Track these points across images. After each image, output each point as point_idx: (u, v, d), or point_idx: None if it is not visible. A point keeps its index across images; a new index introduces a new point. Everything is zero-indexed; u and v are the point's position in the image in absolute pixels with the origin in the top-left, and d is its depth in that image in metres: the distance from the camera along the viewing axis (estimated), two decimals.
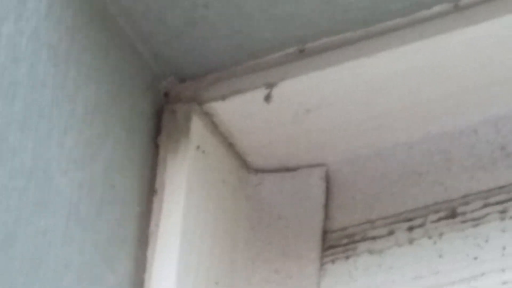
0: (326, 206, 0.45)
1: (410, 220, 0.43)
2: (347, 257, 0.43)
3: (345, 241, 0.44)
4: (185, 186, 0.43)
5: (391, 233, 0.43)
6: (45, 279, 0.37)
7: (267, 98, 0.43)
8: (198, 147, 0.44)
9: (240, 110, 0.45)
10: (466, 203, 0.43)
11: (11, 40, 0.38)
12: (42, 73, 0.39)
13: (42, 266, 0.37)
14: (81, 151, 0.40)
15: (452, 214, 0.43)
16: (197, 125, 0.44)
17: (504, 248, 0.41)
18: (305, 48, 0.43)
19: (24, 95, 0.38)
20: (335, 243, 0.44)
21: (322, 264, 0.44)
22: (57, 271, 0.37)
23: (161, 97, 0.46)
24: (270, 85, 0.43)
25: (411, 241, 0.42)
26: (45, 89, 0.39)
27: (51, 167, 0.38)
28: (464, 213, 0.43)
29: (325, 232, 0.45)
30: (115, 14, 0.45)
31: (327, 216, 0.46)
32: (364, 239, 0.44)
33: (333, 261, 0.44)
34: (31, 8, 0.39)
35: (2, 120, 0.37)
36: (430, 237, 0.42)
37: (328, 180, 0.46)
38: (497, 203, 0.42)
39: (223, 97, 0.44)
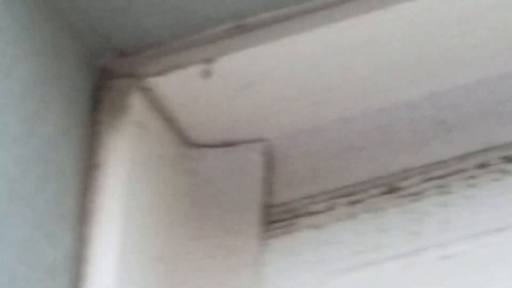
0: (268, 181, 0.47)
1: (350, 195, 0.45)
2: (289, 232, 0.45)
3: (286, 216, 0.46)
4: (126, 161, 0.44)
5: (331, 208, 0.44)
6: None
7: (206, 73, 0.44)
8: (137, 122, 0.45)
9: (180, 86, 0.46)
10: (405, 178, 0.45)
11: None
12: None
13: None
14: (19, 127, 0.41)
15: (392, 189, 0.45)
16: (136, 101, 0.45)
17: (444, 222, 0.44)
18: (243, 23, 0.44)
19: None
20: (277, 218, 0.46)
21: (264, 239, 0.45)
22: None
23: (100, 72, 0.47)
24: (209, 61, 0.44)
25: (351, 216, 0.44)
26: None
27: None
28: (403, 188, 0.45)
29: (267, 207, 0.47)
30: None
31: (268, 192, 0.47)
32: (305, 214, 0.45)
33: (275, 236, 0.45)
34: None
35: None
36: (370, 212, 0.44)
37: (268, 155, 0.48)
38: (437, 177, 0.44)
39: (162, 72, 0.45)
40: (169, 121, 0.47)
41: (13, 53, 0.42)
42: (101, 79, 0.47)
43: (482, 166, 0.44)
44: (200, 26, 0.45)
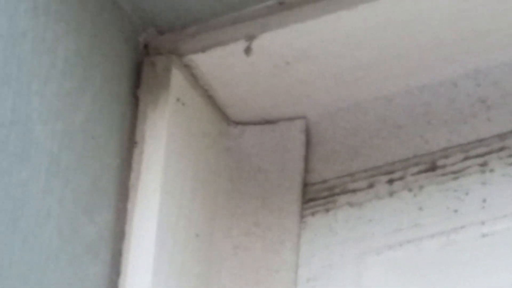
0: (306, 159, 0.47)
1: (390, 173, 0.45)
2: (327, 210, 0.45)
3: (325, 193, 0.46)
4: (165, 138, 0.44)
5: (371, 186, 0.45)
6: (26, 230, 0.39)
7: (247, 50, 0.45)
8: (178, 99, 0.45)
9: (220, 63, 0.46)
10: (446, 156, 0.45)
11: None
12: (21, 25, 0.40)
13: (22, 217, 0.38)
14: (61, 102, 0.42)
15: (432, 167, 0.45)
16: (176, 78, 0.46)
17: (484, 200, 0.44)
18: (284, 0, 0.44)
19: (3, 46, 0.39)
20: (315, 195, 0.46)
21: (302, 217, 0.46)
22: (37, 222, 0.38)
23: (141, 49, 0.47)
24: (250, 37, 0.45)
25: (391, 194, 0.44)
26: (25, 41, 0.40)
27: (31, 119, 0.39)
28: (444, 166, 0.45)
29: (305, 185, 0.47)
30: None
31: (307, 169, 0.48)
32: (344, 191, 0.46)
33: (313, 214, 0.46)
34: None
35: None
36: (410, 190, 0.45)
37: (308, 133, 0.48)
38: (477, 156, 0.45)
39: (203, 49, 0.45)
40: (209, 98, 0.48)
41: (56, 29, 0.43)
42: (143, 55, 0.47)
43: None
44: (241, 3, 0.45)
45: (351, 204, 0.46)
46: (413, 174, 0.45)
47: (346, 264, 0.44)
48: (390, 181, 0.45)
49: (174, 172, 0.45)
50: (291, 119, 0.48)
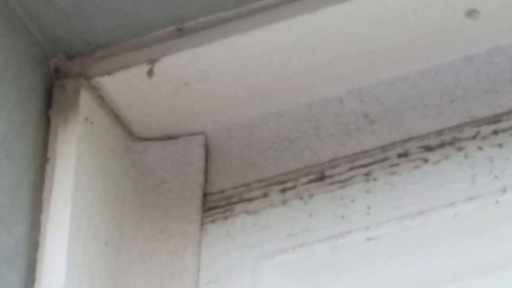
0: (206, 171, 0.51)
1: (282, 182, 0.49)
2: (226, 218, 0.48)
3: (223, 203, 0.49)
4: (75, 154, 0.47)
5: (265, 195, 0.48)
6: None
7: (149, 72, 0.48)
8: (86, 119, 0.48)
9: (125, 84, 0.49)
10: (334, 167, 0.49)
11: None
12: None
13: None
14: None
15: (321, 177, 0.49)
16: (85, 99, 0.48)
17: (368, 207, 0.48)
18: (183, 26, 0.47)
19: None
20: (214, 204, 0.49)
21: (203, 224, 0.49)
22: None
23: (52, 73, 0.50)
24: (152, 61, 0.48)
25: (284, 202, 0.48)
26: None
27: None
28: (332, 176, 0.49)
29: (205, 195, 0.50)
30: None
31: (207, 180, 0.51)
32: (241, 200, 0.49)
33: (212, 221, 0.49)
34: None
35: None
36: (301, 198, 0.48)
37: (207, 147, 0.51)
38: (362, 166, 0.49)
39: (109, 73, 0.48)
40: (116, 117, 0.50)
41: None
42: (54, 78, 0.50)
43: (403, 155, 0.47)
44: (143, 29, 0.48)
45: (247, 212, 0.48)
46: (303, 184, 0.48)
47: (243, 267, 0.47)
48: (283, 190, 0.48)
49: (84, 186, 0.47)
50: (191, 134, 0.51)
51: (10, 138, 0.46)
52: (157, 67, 0.48)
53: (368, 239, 0.45)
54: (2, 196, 0.45)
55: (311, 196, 0.48)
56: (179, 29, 0.48)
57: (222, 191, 0.50)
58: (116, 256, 0.48)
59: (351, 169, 0.47)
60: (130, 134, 0.52)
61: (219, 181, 0.51)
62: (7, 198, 0.45)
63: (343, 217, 0.46)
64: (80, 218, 0.46)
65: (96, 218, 0.47)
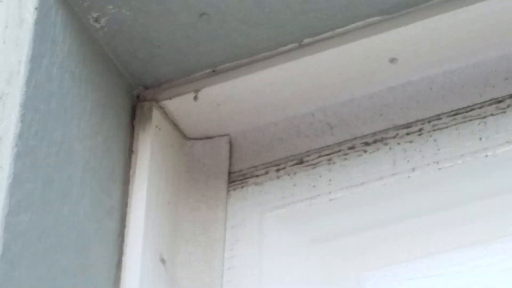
0: (230, 158, 0.61)
1: (277, 165, 0.59)
2: (242, 187, 0.59)
3: (240, 178, 0.59)
4: (150, 148, 0.57)
5: (266, 173, 0.58)
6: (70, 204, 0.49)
7: (195, 98, 0.58)
8: (156, 126, 0.58)
9: (180, 105, 0.60)
10: (308, 155, 0.58)
11: (48, 68, 0.51)
12: (65, 86, 0.51)
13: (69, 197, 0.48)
14: (91, 130, 0.53)
15: (301, 162, 0.58)
16: (155, 114, 0.58)
17: (330, 180, 0.57)
18: (216, 69, 0.58)
19: (56, 101, 0.50)
20: (235, 179, 0.60)
21: (228, 191, 0.59)
22: (78, 201, 0.49)
23: (135, 98, 0.60)
24: (196, 91, 0.58)
25: (278, 177, 0.58)
26: (68, 96, 0.51)
27: (73, 140, 0.50)
28: (307, 161, 0.58)
29: (229, 173, 0.60)
30: (109, 53, 0.58)
31: (230, 164, 0.61)
32: (251, 176, 0.59)
33: (234, 189, 0.59)
34: (59, 49, 0.52)
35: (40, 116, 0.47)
36: (288, 175, 0.58)
37: (230, 144, 0.62)
38: (326, 155, 0.57)
39: (170, 98, 0.59)
40: (174, 125, 0.61)
41: (88, 92, 0.55)
42: (135, 101, 0.60)
43: (351, 148, 0.57)
44: (191, 70, 0.59)
45: (255, 184, 0.59)
46: (290, 166, 0.58)
47: (253, 218, 0.57)
48: (277, 170, 0.58)
49: (154, 167, 0.56)
50: (220, 135, 0.62)
51: (112, 139, 0.56)
52: (200, 94, 0.58)
53: (330, 200, 0.56)
54: (105, 174, 0.53)
55: (295, 173, 0.58)
56: (213, 71, 0.58)
57: (240, 171, 0.60)
58: (175, 210, 0.58)
59: (319, 156, 0.57)
60: (183, 135, 0.62)
61: (238, 164, 0.61)
62: (108, 176, 0.53)
63: (314, 186, 0.56)
64: (152, 188, 0.55)
65: (162, 187, 0.56)
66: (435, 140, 0.56)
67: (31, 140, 0.46)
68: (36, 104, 0.48)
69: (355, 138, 0.58)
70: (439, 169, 0.55)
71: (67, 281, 0.48)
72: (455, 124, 0.56)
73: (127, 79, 0.60)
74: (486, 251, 0.57)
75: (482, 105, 0.56)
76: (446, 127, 0.56)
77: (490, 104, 0.56)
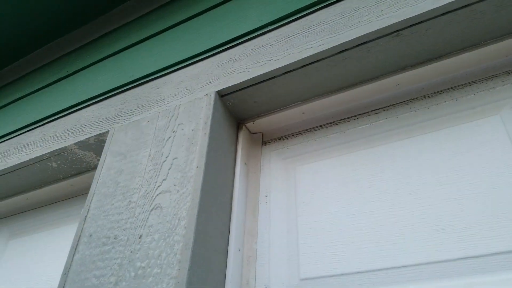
0: (263, 137, 0.90)
1: (293, 135, 0.87)
2: (267, 145, 0.87)
3: (271, 138, 0.88)
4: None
5: (286, 139, 0.88)
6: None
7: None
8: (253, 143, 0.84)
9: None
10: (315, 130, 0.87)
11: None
12: (205, 144, 0.71)
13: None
14: (213, 153, 0.70)
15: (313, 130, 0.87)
16: (244, 136, 0.84)
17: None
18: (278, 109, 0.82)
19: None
20: (268, 139, 0.88)
21: (263, 148, 0.87)
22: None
23: (237, 128, 0.83)
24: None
25: (296, 139, 0.87)
26: (214, 147, 0.71)
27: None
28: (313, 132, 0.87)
29: (262, 143, 0.88)
30: (232, 110, 0.81)
31: (262, 142, 0.89)
32: (276, 140, 0.89)
33: (264, 145, 0.88)
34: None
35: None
36: (305, 138, 0.88)
37: (263, 136, 0.90)
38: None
39: (253, 121, 0.85)
40: (256, 135, 0.86)
41: (221, 143, 0.74)
42: (239, 131, 0.84)
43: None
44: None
45: (279, 138, 0.86)
46: (302, 134, 0.87)
47: (278, 164, 0.81)
48: (292, 135, 0.86)
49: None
50: (257, 133, 0.89)
51: (226, 156, 0.75)
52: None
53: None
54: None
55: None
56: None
57: (265, 143, 0.87)
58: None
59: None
60: (252, 134, 0.87)
61: (266, 138, 0.88)
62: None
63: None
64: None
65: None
66: None
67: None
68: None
69: None
70: None
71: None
72: None
73: (235, 117, 0.86)
74: None
75: None
76: None
77: None
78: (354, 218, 0.69)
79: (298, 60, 0.72)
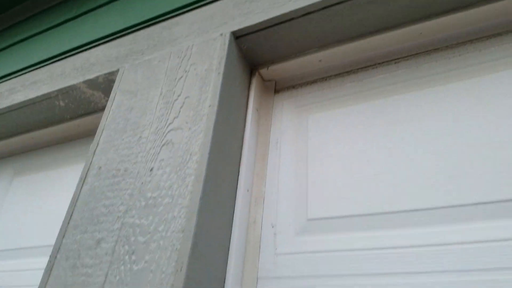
0: (275, 85, 0.91)
1: (303, 84, 0.89)
2: (280, 93, 0.89)
3: (283, 86, 0.90)
4: (257, 95, 0.83)
5: (298, 87, 0.90)
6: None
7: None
8: (263, 79, 0.84)
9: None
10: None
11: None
12: (219, 84, 0.70)
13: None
14: (227, 94, 0.71)
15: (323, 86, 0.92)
16: (269, 87, 0.85)
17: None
18: (321, 58, 0.83)
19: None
20: (279, 88, 0.89)
21: (275, 96, 0.87)
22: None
23: (250, 72, 0.82)
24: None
25: (317, 89, 0.89)
26: (228, 87, 0.71)
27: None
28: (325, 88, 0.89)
29: (275, 92, 0.90)
30: (246, 54, 0.79)
31: (275, 89, 0.91)
32: (288, 89, 0.89)
33: (276, 93, 0.90)
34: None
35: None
36: (312, 88, 0.89)
37: (275, 84, 0.91)
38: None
39: (267, 67, 0.84)
40: (269, 82, 0.85)
41: (232, 84, 0.74)
42: (252, 78, 0.84)
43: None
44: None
45: (292, 86, 0.87)
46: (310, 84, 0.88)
47: (290, 112, 0.82)
48: (303, 84, 0.89)
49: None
50: (270, 81, 0.89)
51: (237, 93, 0.75)
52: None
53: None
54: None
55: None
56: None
57: (277, 91, 0.88)
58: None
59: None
60: (264, 81, 0.87)
61: (278, 87, 0.88)
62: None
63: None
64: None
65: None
66: None
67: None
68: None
69: None
70: None
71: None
72: None
73: (248, 62, 0.84)
74: None
75: None
76: None
77: None
78: (366, 165, 0.69)
79: (320, 1, 0.72)
